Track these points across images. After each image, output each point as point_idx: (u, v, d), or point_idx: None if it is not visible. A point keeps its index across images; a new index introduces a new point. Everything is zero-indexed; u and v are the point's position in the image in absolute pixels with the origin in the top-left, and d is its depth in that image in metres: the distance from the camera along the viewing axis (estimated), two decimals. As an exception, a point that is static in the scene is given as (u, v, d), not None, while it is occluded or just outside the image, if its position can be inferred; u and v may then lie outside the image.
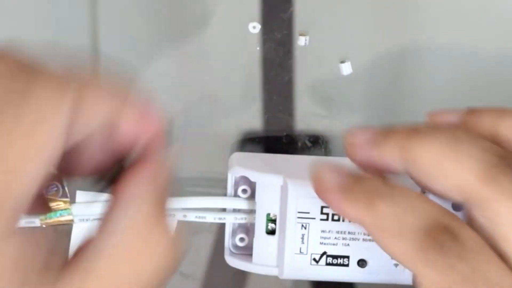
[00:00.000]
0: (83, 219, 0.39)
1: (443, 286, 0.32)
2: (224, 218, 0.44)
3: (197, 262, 0.53)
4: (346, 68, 0.51)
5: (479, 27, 0.51)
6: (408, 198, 0.35)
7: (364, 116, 0.52)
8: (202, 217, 0.42)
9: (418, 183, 0.36)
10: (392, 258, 0.35)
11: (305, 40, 0.51)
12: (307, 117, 0.52)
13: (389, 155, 0.36)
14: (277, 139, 0.52)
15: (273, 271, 0.47)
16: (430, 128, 0.36)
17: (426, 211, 0.34)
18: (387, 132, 0.37)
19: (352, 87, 0.52)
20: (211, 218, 0.43)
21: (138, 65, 0.52)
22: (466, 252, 0.32)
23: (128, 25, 0.51)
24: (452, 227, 0.33)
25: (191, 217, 0.42)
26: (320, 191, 0.37)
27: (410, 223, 0.34)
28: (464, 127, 0.38)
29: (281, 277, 0.46)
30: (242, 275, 0.54)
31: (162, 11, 0.51)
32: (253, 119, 0.52)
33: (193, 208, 0.42)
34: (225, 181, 0.48)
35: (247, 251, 0.47)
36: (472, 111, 0.39)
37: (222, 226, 0.52)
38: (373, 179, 0.36)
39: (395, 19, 0.51)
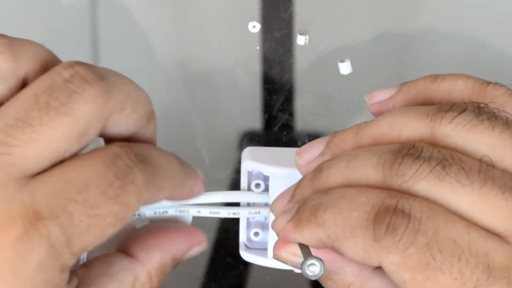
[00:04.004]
0: None
1: (411, 264, 0.32)
2: (238, 213, 0.44)
3: (197, 262, 0.53)
4: (346, 68, 0.51)
5: (481, 29, 0.51)
6: (348, 195, 0.34)
7: (364, 115, 0.52)
8: (216, 213, 0.42)
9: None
10: (360, 261, 0.34)
11: (305, 39, 0.51)
12: (307, 116, 0.52)
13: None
14: (277, 138, 0.52)
15: (288, 265, 0.46)
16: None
17: (369, 200, 0.33)
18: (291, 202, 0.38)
19: (351, 86, 0.52)
20: (225, 213, 0.43)
21: (138, 66, 0.52)
22: (419, 222, 0.32)
23: (128, 26, 0.51)
24: (399, 204, 0.33)
25: (205, 212, 0.42)
26: (278, 235, 0.37)
27: (356, 219, 0.33)
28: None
29: (296, 271, 0.46)
30: (242, 275, 0.54)
31: (162, 13, 0.51)
32: (253, 119, 0.52)
33: (206, 204, 0.42)
34: (225, 180, 0.48)
35: (262, 246, 0.47)
36: (403, 84, 0.39)
37: (222, 226, 0.52)
38: (314, 195, 0.36)
39: (395, 19, 0.51)
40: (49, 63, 0.35)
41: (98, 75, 0.34)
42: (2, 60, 0.34)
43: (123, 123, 0.36)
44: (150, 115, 0.37)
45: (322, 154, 0.39)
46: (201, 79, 0.52)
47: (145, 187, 0.34)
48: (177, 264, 0.40)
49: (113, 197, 0.33)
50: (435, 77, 0.39)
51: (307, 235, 0.36)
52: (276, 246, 0.38)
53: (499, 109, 0.35)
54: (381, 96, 0.40)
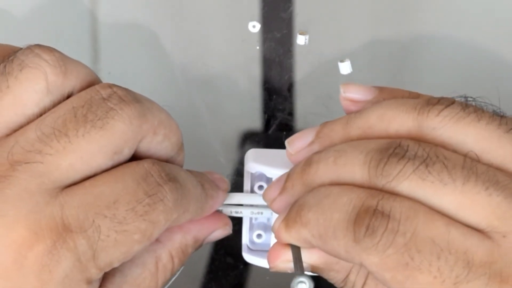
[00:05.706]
0: None
1: (390, 265, 0.32)
2: (241, 212, 0.44)
3: (197, 262, 0.53)
4: (346, 68, 0.51)
5: (480, 29, 0.51)
6: (330, 195, 0.35)
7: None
8: (219, 210, 0.43)
9: None
10: (344, 260, 0.35)
11: (305, 39, 0.51)
12: (307, 116, 0.52)
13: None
14: (277, 138, 0.52)
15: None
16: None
17: (351, 201, 0.34)
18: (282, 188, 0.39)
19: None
20: (228, 211, 0.43)
21: (137, 65, 0.52)
22: (398, 223, 0.32)
23: (128, 26, 0.51)
24: (379, 205, 0.33)
25: None
26: (276, 236, 0.38)
27: (338, 220, 0.34)
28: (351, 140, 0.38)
29: None
30: (242, 275, 0.54)
31: (162, 13, 0.51)
32: (253, 119, 0.52)
33: None
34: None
35: (265, 248, 0.47)
36: (382, 90, 0.39)
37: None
38: (303, 195, 0.37)
39: (395, 19, 0.51)
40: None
41: (134, 97, 0.35)
42: (52, 74, 0.34)
43: (154, 148, 0.36)
44: (180, 146, 0.38)
45: (311, 144, 0.39)
46: (201, 79, 0.52)
47: (173, 207, 0.35)
48: (200, 246, 0.40)
49: (142, 214, 0.34)
50: (416, 96, 0.39)
51: (295, 235, 0.36)
52: (270, 259, 0.38)
53: (486, 103, 0.36)
54: (357, 95, 0.40)
